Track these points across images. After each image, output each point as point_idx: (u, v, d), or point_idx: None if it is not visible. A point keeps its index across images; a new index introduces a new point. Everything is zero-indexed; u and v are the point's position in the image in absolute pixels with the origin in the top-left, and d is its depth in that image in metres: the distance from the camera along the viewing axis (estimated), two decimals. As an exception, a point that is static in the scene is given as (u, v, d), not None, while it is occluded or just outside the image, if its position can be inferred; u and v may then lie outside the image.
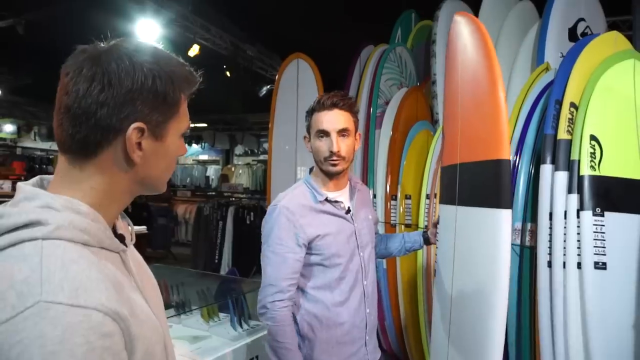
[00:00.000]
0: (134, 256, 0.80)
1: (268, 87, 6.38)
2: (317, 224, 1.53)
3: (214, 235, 6.07)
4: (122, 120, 0.67)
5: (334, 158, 1.52)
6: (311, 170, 1.65)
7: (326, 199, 1.56)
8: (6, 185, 4.76)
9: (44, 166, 11.44)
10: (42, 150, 12.46)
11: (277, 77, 4.06)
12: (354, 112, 1.57)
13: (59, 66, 0.70)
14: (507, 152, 1.54)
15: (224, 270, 5.76)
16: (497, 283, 1.54)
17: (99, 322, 0.56)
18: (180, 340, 1.89)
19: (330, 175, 1.58)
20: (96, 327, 0.56)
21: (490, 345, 1.55)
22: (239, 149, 12.59)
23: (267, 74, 6.60)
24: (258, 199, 6.56)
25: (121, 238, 0.74)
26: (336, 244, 1.54)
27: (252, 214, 5.94)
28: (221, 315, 2.15)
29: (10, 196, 0.75)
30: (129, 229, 0.82)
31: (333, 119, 1.52)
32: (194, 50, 5.13)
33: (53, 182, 0.70)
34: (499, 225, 1.54)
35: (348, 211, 1.61)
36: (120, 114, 0.66)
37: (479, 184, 1.67)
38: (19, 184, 0.68)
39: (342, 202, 1.60)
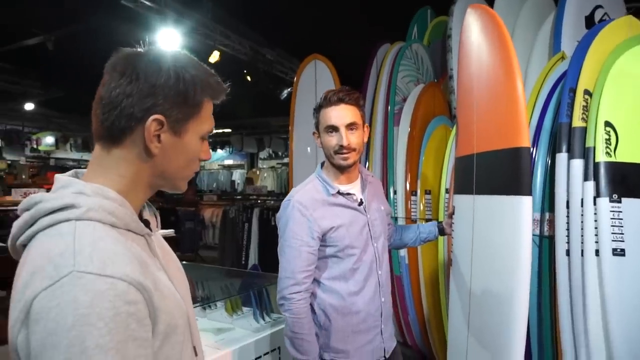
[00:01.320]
0: (159, 241, 0.87)
1: (289, 89, 6.46)
2: (330, 216, 1.57)
3: (240, 237, 6.17)
4: (144, 111, 0.75)
5: (344, 151, 1.57)
6: (322, 165, 1.69)
7: (338, 192, 1.61)
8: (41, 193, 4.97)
9: (76, 176, 11.82)
10: (74, 160, 12.92)
11: (295, 79, 4.12)
12: (360, 106, 1.61)
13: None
14: (526, 140, 1.56)
15: (250, 271, 5.85)
16: (518, 269, 1.55)
17: (124, 291, 0.64)
18: (205, 332, 1.96)
19: (341, 169, 1.62)
20: (122, 295, 0.63)
21: (513, 335, 1.56)
22: (263, 153, 12.75)
23: (286, 77, 6.68)
24: (282, 201, 6.62)
25: (146, 223, 0.82)
26: (349, 235, 1.58)
27: (276, 215, 6.01)
28: (244, 309, 2.22)
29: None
30: (154, 217, 0.89)
31: (341, 114, 1.56)
32: (214, 57, 5.24)
33: (86, 173, 0.79)
34: (520, 212, 1.56)
35: (360, 203, 1.65)
36: (142, 105, 0.74)
37: (498, 172, 1.68)
38: (57, 176, 0.78)
39: (354, 194, 1.64)
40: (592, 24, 2.78)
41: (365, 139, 1.65)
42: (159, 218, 0.92)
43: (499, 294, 1.63)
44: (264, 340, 2.00)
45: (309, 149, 3.91)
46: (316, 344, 1.56)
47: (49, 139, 11.56)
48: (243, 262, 6.07)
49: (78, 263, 0.63)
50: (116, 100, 0.74)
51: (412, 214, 3.30)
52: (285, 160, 11.87)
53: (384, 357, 1.66)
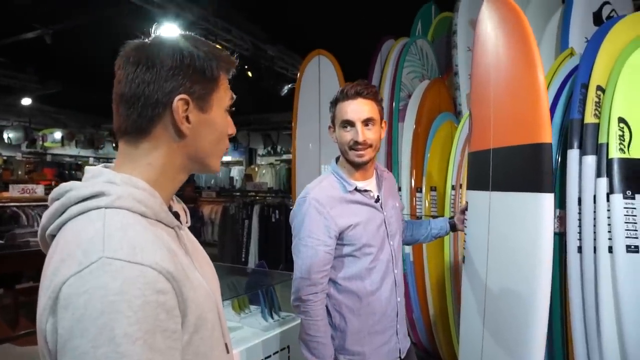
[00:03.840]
0: (189, 236, 0.87)
1: (289, 86, 6.43)
2: (348, 214, 1.52)
3: (240, 233, 6.15)
4: (168, 95, 0.74)
5: (359, 147, 1.52)
6: (337, 160, 1.64)
7: (356, 189, 1.56)
8: (39, 189, 4.91)
9: (73, 172, 11.76)
10: (70, 156, 12.81)
11: (298, 74, 4.08)
12: (377, 101, 1.56)
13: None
14: (548, 136, 1.52)
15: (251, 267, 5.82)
16: (539, 268, 1.53)
17: (153, 279, 0.62)
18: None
19: (356, 166, 1.56)
20: (151, 283, 0.61)
21: (533, 335, 1.54)
22: (262, 150, 12.73)
23: (287, 73, 6.64)
24: (282, 197, 6.59)
25: (176, 216, 0.80)
26: (366, 233, 1.53)
27: (277, 212, 5.97)
28: (252, 307, 2.19)
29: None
30: (184, 212, 0.88)
31: (357, 109, 1.51)
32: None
33: (115, 164, 0.78)
34: (541, 210, 1.53)
35: (377, 200, 1.60)
36: (164, 89, 0.74)
37: (517, 168, 1.65)
38: (87, 167, 0.77)
39: (371, 191, 1.60)
40: (600, 21, 2.77)
41: (383, 135, 1.59)
42: (188, 213, 0.90)
43: (518, 292, 1.60)
44: (274, 339, 1.97)
45: (311, 145, 3.88)
46: (331, 347, 1.51)
47: (56, 135, 11.44)
48: (243, 259, 6.05)
49: (107, 249, 0.61)
50: (138, 91, 0.73)
51: (417, 210, 3.28)
52: (284, 157, 11.84)
53: (399, 357, 1.62)
